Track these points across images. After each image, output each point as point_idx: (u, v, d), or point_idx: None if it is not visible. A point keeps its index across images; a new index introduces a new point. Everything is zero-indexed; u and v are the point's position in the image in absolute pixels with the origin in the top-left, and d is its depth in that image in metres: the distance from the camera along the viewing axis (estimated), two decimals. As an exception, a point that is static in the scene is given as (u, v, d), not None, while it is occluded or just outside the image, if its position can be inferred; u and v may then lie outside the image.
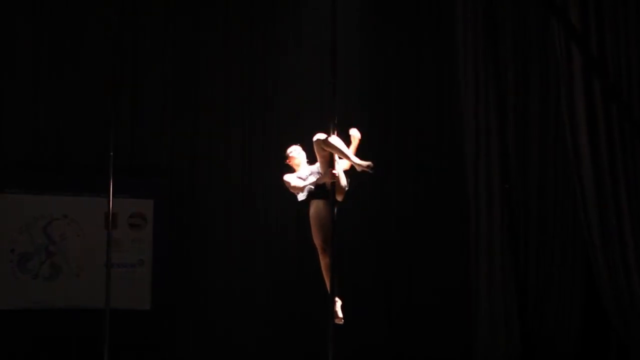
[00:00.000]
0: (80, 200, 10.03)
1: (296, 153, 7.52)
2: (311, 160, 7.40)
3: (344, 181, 7.10)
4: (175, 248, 10.34)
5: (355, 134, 7.40)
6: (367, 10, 11.03)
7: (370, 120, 10.74)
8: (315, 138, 7.03)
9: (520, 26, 10.77)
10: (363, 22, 10.97)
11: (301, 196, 7.25)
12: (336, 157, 7.03)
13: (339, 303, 7.07)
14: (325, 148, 6.99)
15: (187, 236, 10.44)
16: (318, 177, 7.18)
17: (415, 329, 10.81)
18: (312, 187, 7.18)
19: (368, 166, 7.01)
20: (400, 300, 10.91)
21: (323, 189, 7.11)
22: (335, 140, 6.97)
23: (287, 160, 7.53)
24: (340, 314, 7.07)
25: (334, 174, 6.95)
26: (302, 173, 7.37)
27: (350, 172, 7.24)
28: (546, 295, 10.61)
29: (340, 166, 7.11)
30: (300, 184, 7.24)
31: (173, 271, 10.28)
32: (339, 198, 7.06)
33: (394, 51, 11.25)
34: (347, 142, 7.27)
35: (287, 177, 7.35)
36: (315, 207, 7.17)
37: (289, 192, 7.35)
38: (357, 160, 7.04)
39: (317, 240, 7.18)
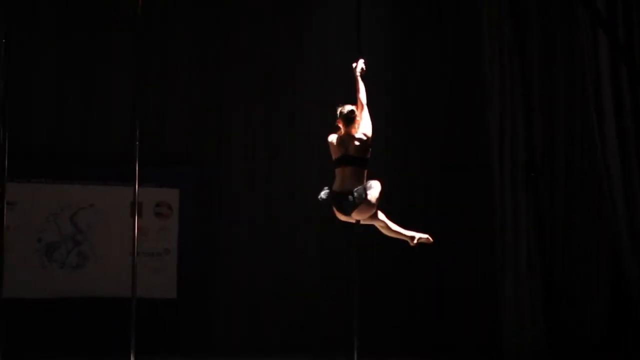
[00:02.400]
0: (107, 189, 10.08)
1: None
2: None
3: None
4: (200, 237, 10.37)
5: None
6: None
7: (394, 99, 10.80)
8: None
9: (545, 14, 10.69)
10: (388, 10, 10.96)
11: (324, 194, 6.66)
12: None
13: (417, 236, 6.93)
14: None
15: (212, 225, 10.48)
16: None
17: (441, 313, 10.79)
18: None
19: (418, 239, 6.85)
20: (426, 285, 10.88)
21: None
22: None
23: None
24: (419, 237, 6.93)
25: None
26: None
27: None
28: (572, 281, 10.55)
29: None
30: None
31: (199, 259, 10.32)
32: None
33: (418, 42, 11.21)
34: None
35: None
36: None
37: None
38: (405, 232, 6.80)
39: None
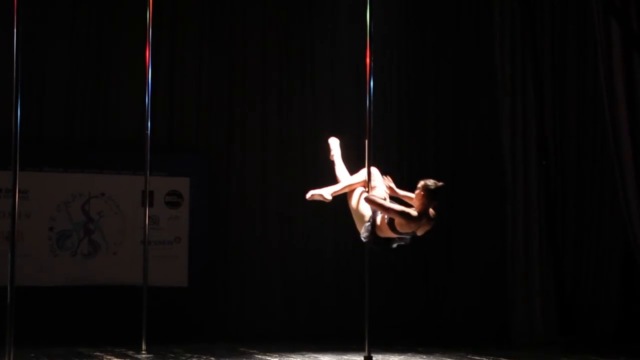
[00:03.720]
0: (118, 178, 10.11)
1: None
2: None
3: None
4: (211, 225, 10.39)
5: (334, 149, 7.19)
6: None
7: (408, 84, 10.79)
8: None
9: (558, 3, 10.66)
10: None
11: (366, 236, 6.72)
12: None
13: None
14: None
15: (223, 213, 10.49)
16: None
17: (452, 304, 10.79)
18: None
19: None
20: (436, 275, 10.89)
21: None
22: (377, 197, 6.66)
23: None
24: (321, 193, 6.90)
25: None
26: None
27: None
28: (584, 271, 10.54)
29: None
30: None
31: (210, 248, 10.34)
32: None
33: (428, 28, 11.19)
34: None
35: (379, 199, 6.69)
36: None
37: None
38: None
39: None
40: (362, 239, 6.70)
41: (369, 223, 6.63)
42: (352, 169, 7.20)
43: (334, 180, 7.20)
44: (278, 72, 10.83)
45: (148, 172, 8.33)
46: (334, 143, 7.28)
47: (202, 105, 10.59)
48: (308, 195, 6.83)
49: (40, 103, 10.04)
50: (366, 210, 6.74)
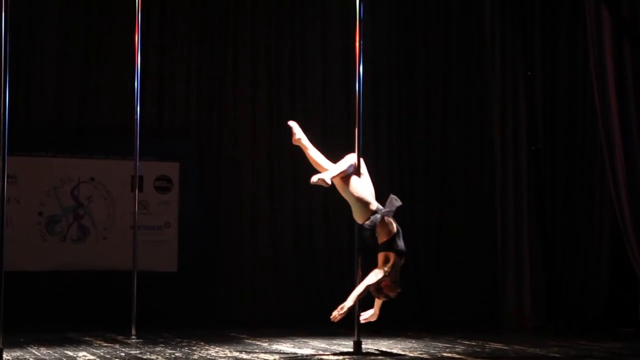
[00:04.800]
0: (107, 163, 10.09)
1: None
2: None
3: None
4: (201, 210, 10.38)
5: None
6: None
7: (398, 69, 10.79)
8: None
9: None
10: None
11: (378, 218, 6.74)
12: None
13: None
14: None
15: (213, 198, 10.49)
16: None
17: (442, 287, 10.81)
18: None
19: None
20: (427, 258, 10.90)
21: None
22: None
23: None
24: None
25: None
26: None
27: None
28: (573, 256, 10.58)
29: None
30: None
31: (200, 233, 10.33)
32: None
33: (420, 8, 11.18)
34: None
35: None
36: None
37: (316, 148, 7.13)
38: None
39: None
40: (366, 226, 6.73)
41: (373, 219, 6.68)
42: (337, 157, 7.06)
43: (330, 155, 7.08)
44: (269, 56, 10.80)
45: (138, 157, 8.31)
46: (296, 126, 7.02)
47: (192, 90, 10.57)
48: (314, 180, 6.73)
49: (28, 87, 10.00)
50: (369, 196, 6.78)
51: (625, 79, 9.54)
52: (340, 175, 6.76)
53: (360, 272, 6.87)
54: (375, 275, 6.63)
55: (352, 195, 6.76)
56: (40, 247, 9.83)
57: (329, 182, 6.72)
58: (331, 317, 6.62)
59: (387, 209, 6.76)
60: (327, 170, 6.81)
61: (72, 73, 10.18)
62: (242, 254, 10.52)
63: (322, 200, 10.42)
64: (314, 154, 6.96)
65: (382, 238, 6.71)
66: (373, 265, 6.76)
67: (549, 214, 10.66)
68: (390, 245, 6.70)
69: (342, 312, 6.57)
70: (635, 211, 9.52)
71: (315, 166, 6.93)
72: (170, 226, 10.25)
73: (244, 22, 10.74)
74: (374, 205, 6.75)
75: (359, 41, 7.01)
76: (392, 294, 6.73)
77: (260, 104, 10.74)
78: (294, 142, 7.03)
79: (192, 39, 10.59)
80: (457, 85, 11.14)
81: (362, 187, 6.79)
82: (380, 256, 6.72)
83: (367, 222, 6.70)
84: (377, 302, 6.94)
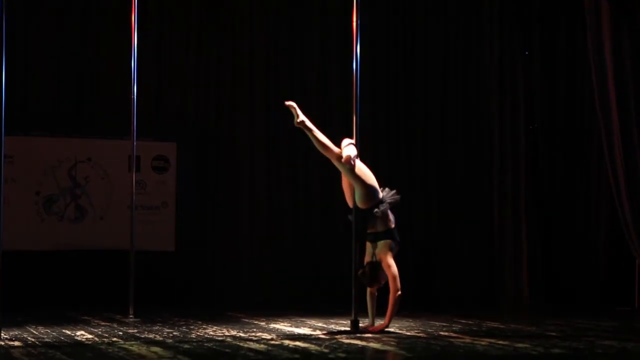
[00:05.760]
0: (104, 143, 10.08)
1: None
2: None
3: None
4: (198, 190, 10.39)
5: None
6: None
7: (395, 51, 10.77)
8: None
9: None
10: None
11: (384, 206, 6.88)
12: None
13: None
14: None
15: (210, 178, 10.49)
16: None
17: (439, 271, 10.84)
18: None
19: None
20: (425, 239, 10.92)
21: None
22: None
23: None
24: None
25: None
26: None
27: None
28: (571, 235, 10.61)
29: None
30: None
31: (197, 213, 10.35)
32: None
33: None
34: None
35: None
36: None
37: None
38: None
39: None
40: (377, 213, 6.85)
41: (383, 207, 6.84)
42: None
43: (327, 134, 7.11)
44: (266, 34, 10.77)
45: (135, 137, 8.30)
46: (296, 107, 6.88)
47: (189, 69, 10.55)
48: (288, 103, 6.84)
49: (26, 68, 9.97)
50: (376, 184, 6.87)
51: (622, 58, 9.52)
52: (320, 143, 6.83)
53: (357, 256, 6.89)
54: (394, 280, 6.80)
55: (361, 180, 6.80)
56: (38, 227, 9.84)
57: (300, 120, 6.79)
58: (370, 328, 6.88)
59: (392, 199, 6.87)
60: (345, 149, 6.80)
61: (70, 53, 10.15)
62: (239, 233, 10.53)
63: (320, 179, 10.42)
64: (319, 135, 6.86)
65: (383, 227, 6.84)
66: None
67: (547, 194, 10.68)
68: (392, 234, 6.86)
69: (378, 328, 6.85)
70: (633, 191, 9.52)
71: (321, 148, 6.85)
72: (167, 206, 10.26)
73: (243, 5, 10.71)
74: (380, 193, 6.83)
75: (357, 18, 7.01)
76: (382, 282, 6.92)
77: (259, 82, 10.71)
78: (297, 125, 6.89)
79: (190, 17, 10.56)
80: (456, 64, 11.12)
81: (370, 173, 6.86)
82: (374, 245, 6.86)
83: (379, 210, 6.80)
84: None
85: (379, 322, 7.00)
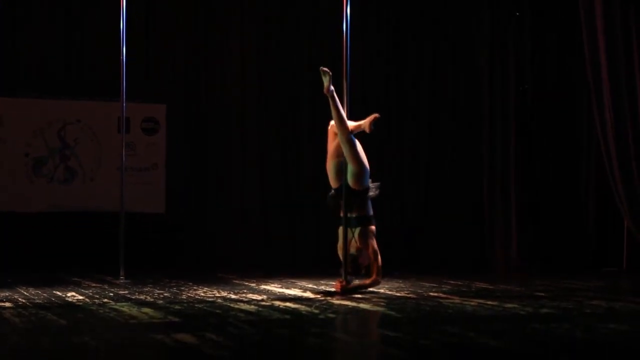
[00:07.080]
0: (93, 104, 10.04)
1: None
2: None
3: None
4: (189, 152, 10.37)
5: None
6: None
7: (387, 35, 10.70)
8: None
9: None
10: None
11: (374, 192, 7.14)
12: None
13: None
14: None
15: (200, 140, 10.46)
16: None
17: (429, 235, 10.85)
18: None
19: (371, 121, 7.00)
20: (419, 205, 10.93)
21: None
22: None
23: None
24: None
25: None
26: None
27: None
28: (560, 198, 10.63)
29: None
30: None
31: (187, 174, 10.34)
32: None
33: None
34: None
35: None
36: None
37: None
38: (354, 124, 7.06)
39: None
40: (372, 195, 7.10)
41: (376, 191, 7.11)
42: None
43: (325, 116, 7.19)
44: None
45: (124, 99, 8.27)
46: (330, 74, 6.93)
47: (179, 30, 10.47)
48: (324, 69, 6.92)
49: (14, 29, 9.89)
50: (367, 163, 7.03)
51: (614, 25, 9.49)
52: (347, 123, 6.96)
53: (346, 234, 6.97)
54: (375, 263, 6.95)
55: (359, 159, 6.96)
56: (27, 189, 9.82)
57: (330, 89, 6.87)
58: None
59: (375, 187, 7.13)
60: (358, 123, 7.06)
61: (58, 15, 10.06)
62: (230, 195, 10.53)
63: (311, 143, 10.40)
64: (340, 108, 6.95)
65: (364, 211, 7.03)
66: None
67: (537, 158, 10.67)
68: (370, 220, 7.07)
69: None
70: (622, 151, 9.54)
71: (337, 119, 6.93)
72: (157, 167, 10.24)
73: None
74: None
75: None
76: (363, 270, 7.02)
77: (250, 43, 10.65)
78: (325, 92, 6.96)
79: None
80: (446, 27, 11.07)
81: (364, 156, 7.01)
82: (360, 230, 6.98)
83: (373, 194, 7.09)
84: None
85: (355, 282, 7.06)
